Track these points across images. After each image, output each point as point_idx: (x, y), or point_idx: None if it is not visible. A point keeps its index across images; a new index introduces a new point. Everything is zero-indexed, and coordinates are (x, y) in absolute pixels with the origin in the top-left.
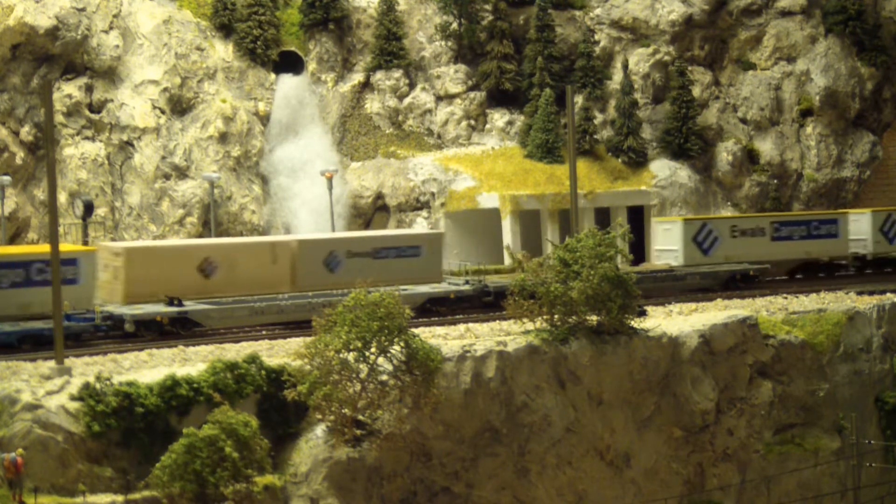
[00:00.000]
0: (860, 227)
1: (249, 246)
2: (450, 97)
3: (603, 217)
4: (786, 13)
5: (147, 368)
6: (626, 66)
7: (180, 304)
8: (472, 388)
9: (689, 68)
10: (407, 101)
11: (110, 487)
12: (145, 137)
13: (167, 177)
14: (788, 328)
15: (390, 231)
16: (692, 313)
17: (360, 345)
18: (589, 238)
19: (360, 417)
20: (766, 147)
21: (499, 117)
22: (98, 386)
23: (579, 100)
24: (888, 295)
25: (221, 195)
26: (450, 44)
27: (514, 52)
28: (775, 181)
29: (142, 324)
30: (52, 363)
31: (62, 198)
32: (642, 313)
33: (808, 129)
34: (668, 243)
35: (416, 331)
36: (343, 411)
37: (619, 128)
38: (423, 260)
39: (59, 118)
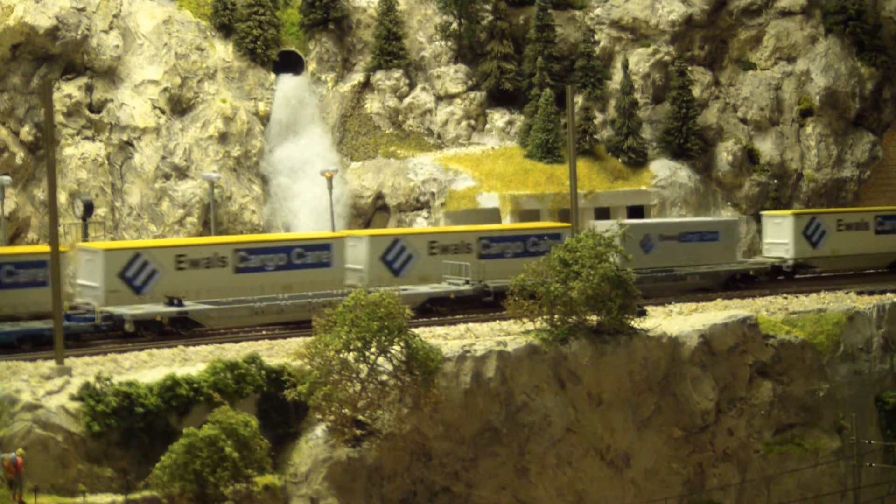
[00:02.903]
0: (782, 230)
1: None
2: (450, 97)
3: (603, 217)
4: (786, 13)
5: (147, 368)
6: (626, 66)
7: (180, 304)
8: (472, 388)
9: (689, 68)
10: (407, 101)
11: (110, 487)
12: (145, 137)
13: (167, 177)
14: (788, 328)
15: None
16: (692, 313)
17: (360, 345)
18: (589, 238)
19: (360, 417)
20: (766, 147)
21: (499, 117)
22: (98, 386)
23: (579, 100)
24: (888, 295)
25: (221, 195)
26: (450, 44)
27: (514, 52)
28: (775, 181)
29: (142, 324)
30: (52, 363)
31: (62, 198)
32: (642, 313)
33: (808, 129)
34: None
35: (416, 331)
36: (343, 411)
37: (619, 128)
38: None
39: (59, 118)
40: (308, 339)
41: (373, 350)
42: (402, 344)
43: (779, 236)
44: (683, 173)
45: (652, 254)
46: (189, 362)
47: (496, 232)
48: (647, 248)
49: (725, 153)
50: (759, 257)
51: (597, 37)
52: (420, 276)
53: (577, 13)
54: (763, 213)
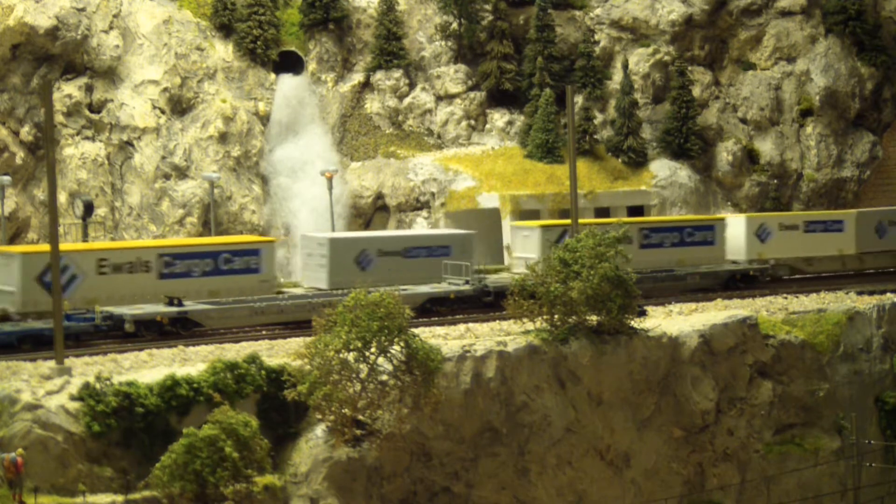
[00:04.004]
0: (530, 243)
1: None
2: (450, 97)
3: (603, 217)
4: (786, 13)
5: (147, 368)
6: (626, 66)
7: (180, 304)
8: (472, 388)
9: (689, 68)
10: (407, 101)
11: (110, 487)
12: (145, 137)
13: (167, 177)
14: (788, 328)
15: None
16: (692, 313)
17: (360, 345)
18: (589, 238)
19: (360, 417)
20: (766, 147)
21: (499, 117)
22: (98, 386)
23: (579, 100)
24: (888, 295)
25: (221, 195)
26: (450, 44)
27: (514, 52)
28: (775, 181)
29: (142, 324)
30: (52, 363)
31: (62, 198)
32: (642, 313)
33: (808, 129)
34: None
35: (416, 331)
36: (343, 411)
37: (619, 128)
38: None
39: (59, 118)
40: (308, 339)
41: (373, 350)
42: (402, 344)
43: (527, 250)
44: (683, 173)
45: (369, 271)
46: (189, 362)
47: (181, 248)
48: (363, 265)
49: (725, 153)
50: (505, 274)
51: (597, 37)
52: (87, 298)
53: (577, 13)
54: (512, 223)
